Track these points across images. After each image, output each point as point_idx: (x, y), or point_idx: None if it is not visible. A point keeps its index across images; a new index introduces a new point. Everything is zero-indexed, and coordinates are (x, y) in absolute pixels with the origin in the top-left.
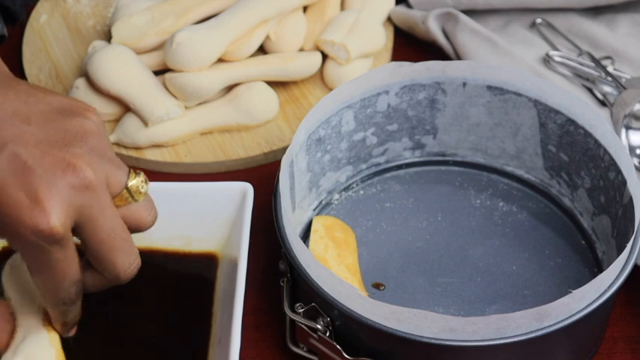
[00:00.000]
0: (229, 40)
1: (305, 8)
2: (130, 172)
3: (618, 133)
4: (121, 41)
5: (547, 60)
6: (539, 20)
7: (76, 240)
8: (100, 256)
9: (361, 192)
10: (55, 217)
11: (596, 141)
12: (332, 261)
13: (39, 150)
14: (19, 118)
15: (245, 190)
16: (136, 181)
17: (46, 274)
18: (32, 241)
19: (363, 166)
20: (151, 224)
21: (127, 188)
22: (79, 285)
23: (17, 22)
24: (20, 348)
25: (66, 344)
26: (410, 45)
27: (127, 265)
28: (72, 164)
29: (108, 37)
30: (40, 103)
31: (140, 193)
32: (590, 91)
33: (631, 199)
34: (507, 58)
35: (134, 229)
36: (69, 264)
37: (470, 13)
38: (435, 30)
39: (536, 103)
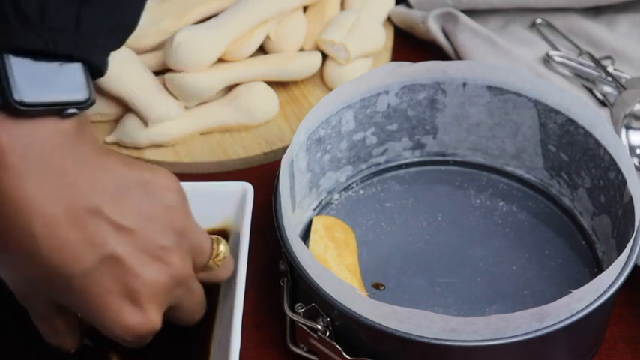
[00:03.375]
0: (229, 40)
1: (305, 8)
2: (212, 242)
3: (618, 133)
4: None
5: (547, 60)
6: (539, 20)
7: None
8: (180, 317)
9: (361, 192)
10: (156, 318)
11: (596, 141)
12: (332, 261)
13: (134, 249)
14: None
15: (245, 190)
16: (218, 251)
17: (127, 343)
18: (129, 337)
19: (363, 166)
20: (227, 278)
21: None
22: None
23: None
24: None
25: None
26: (410, 45)
27: (199, 317)
28: (165, 261)
29: None
30: (132, 185)
31: (220, 260)
32: (590, 91)
33: (631, 199)
34: (507, 58)
35: (212, 283)
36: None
37: (470, 13)
38: (435, 30)
39: (536, 103)
